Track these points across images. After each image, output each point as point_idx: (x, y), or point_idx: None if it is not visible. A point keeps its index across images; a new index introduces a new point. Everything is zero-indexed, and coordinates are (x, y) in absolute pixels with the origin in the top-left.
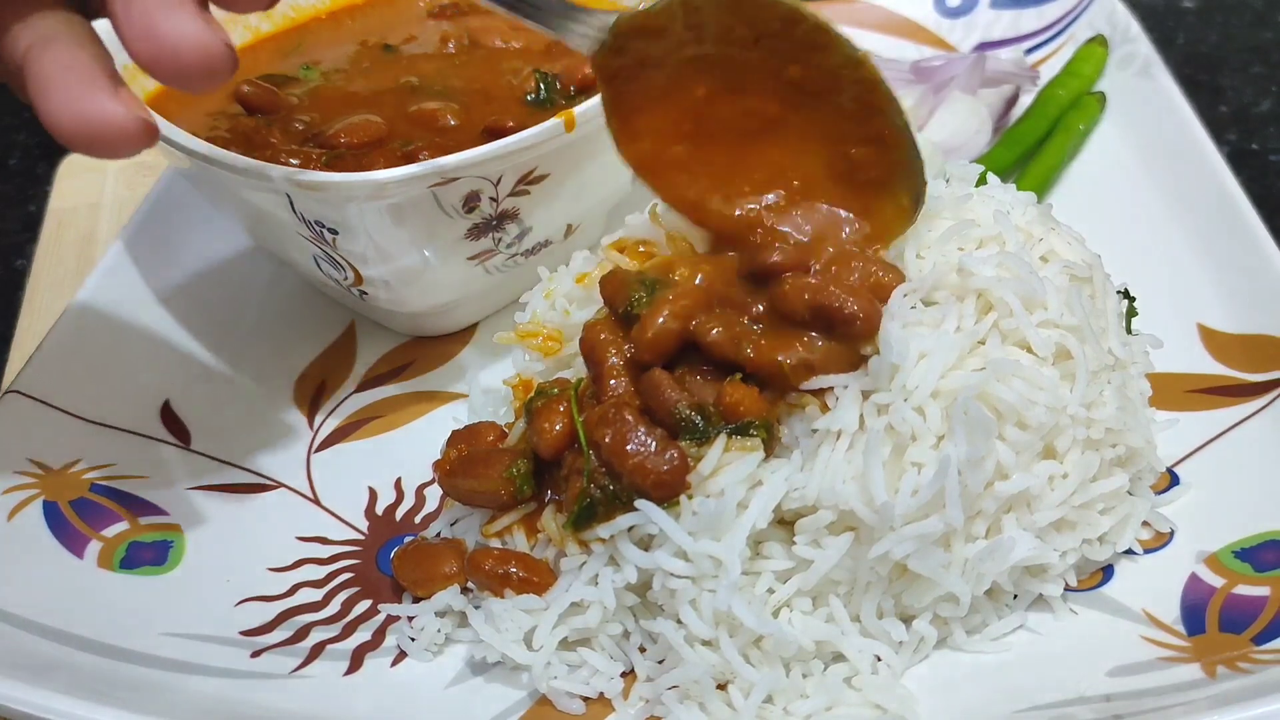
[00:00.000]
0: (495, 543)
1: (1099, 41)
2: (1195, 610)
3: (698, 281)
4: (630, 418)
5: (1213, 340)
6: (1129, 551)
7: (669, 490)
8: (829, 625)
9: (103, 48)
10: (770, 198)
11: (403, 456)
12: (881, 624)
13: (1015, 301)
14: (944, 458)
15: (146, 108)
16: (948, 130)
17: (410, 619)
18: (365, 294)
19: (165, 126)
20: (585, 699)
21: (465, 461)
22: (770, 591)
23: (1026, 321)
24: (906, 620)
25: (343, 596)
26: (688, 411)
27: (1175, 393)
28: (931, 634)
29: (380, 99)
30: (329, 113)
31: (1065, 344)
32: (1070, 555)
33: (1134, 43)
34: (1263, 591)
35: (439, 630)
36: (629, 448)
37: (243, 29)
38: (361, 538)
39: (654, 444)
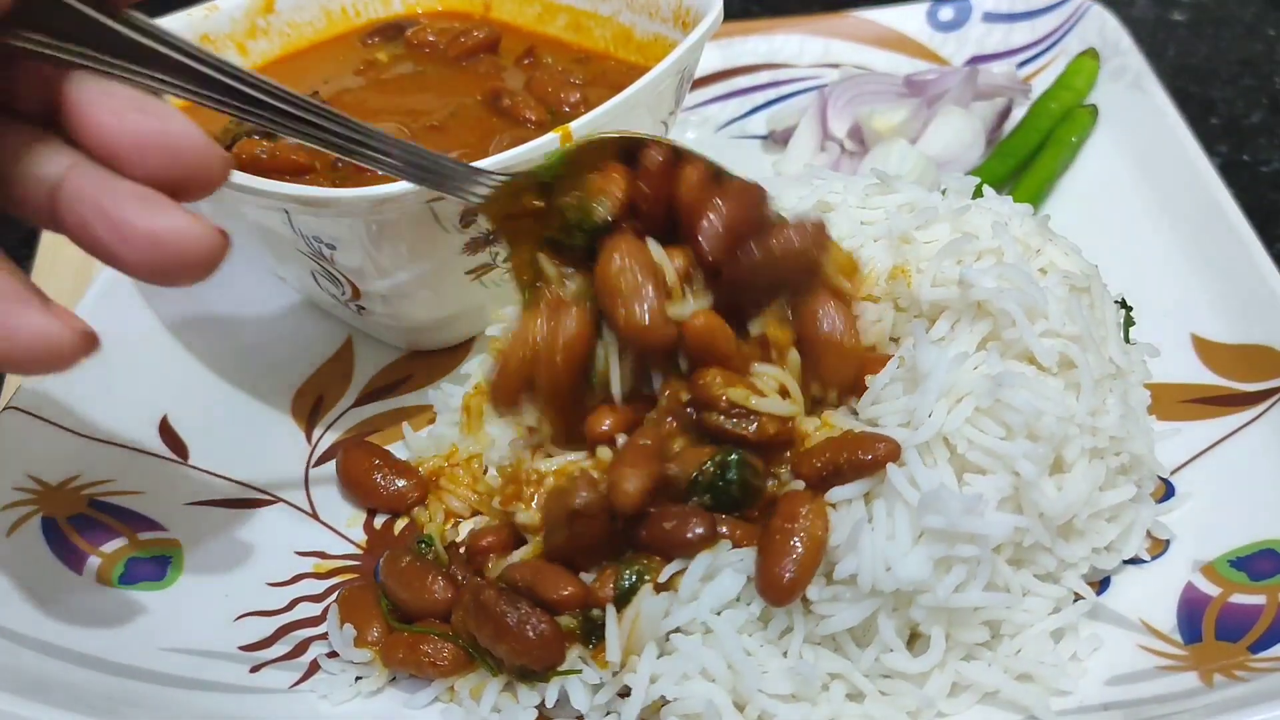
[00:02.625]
0: None
1: (1090, 54)
2: (1192, 619)
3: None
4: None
5: (1206, 350)
6: (1128, 560)
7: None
8: (838, 659)
9: (19, 270)
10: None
11: None
12: (898, 661)
13: (1018, 312)
14: (983, 539)
15: (80, 319)
16: (941, 143)
17: (331, 655)
18: (363, 309)
19: None
20: None
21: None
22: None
23: (1029, 332)
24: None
25: None
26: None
27: (1170, 403)
28: (972, 681)
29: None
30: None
31: (1068, 353)
32: (1082, 565)
33: (1125, 55)
34: (1258, 600)
35: (356, 680)
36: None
37: None
38: (360, 552)
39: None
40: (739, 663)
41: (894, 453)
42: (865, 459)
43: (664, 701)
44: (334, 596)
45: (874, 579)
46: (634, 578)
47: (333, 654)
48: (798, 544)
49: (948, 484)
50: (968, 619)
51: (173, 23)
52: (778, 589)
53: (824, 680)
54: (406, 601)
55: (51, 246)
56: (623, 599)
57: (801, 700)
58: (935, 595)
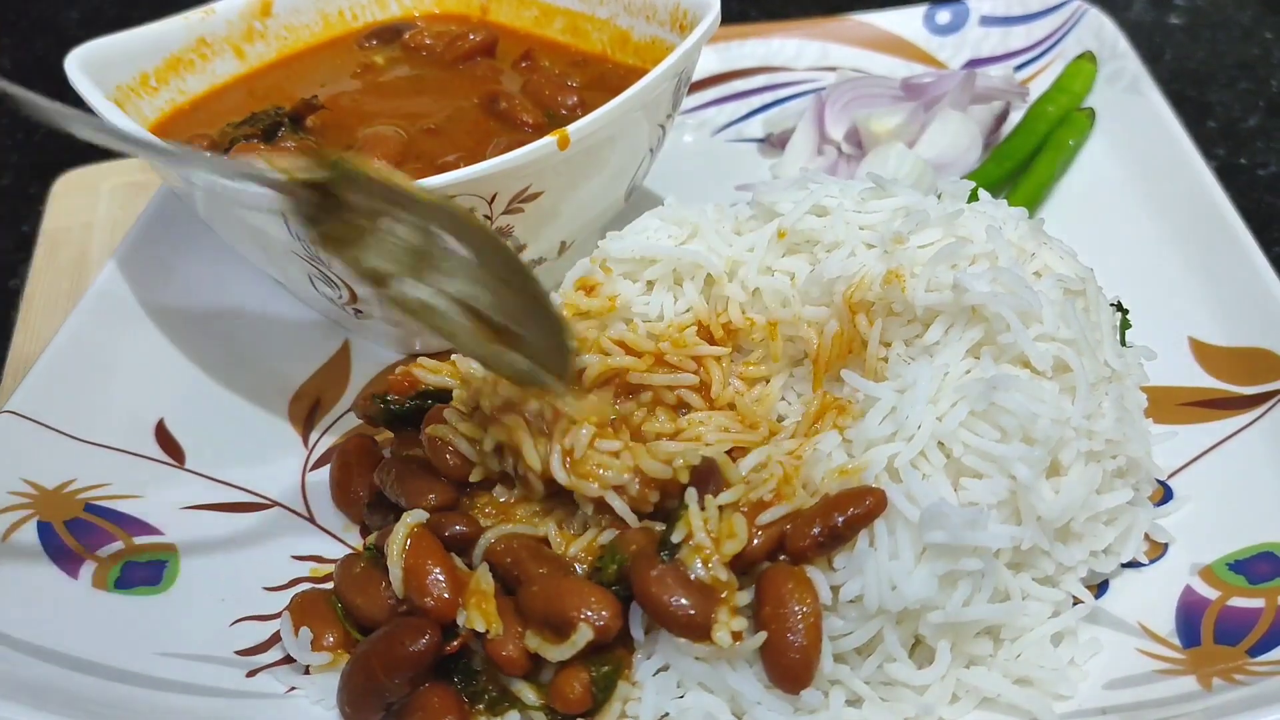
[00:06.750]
0: None
1: (1088, 58)
2: (1190, 623)
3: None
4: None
5: (1204, 353)
6: (1126, 564)
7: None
8: (839, 666)
9: None
10: None
11: None
12: (902, 672)
13: (1012, 316)
14: (989, 557)
15: None
16: (939, 147)
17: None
18: (360, 312)
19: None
20: None
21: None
22: None
23: (1024, 336)
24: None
25: None
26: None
27: (1168, 406)
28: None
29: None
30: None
31: (1063, 357)
32: (1081, 568)
33: (1122, 59)
34: (1257, 603)
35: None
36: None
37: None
38: None
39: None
40: (737, 678)
41: (882, 502)
42: (860, 514)
43: (664, 715)
44: None
45: (880, 599)
46: (606, 681)
47: (306, 670)
48: (797, 625)
49: (946, 497)
50: (972, 629)
51: (170, 25)
52: (794, 678)
53: (824, 688)
54: (359, 606)
55: (49, 249)
56: (594, 711)
57: (800, 712)
58: (944, 612)
